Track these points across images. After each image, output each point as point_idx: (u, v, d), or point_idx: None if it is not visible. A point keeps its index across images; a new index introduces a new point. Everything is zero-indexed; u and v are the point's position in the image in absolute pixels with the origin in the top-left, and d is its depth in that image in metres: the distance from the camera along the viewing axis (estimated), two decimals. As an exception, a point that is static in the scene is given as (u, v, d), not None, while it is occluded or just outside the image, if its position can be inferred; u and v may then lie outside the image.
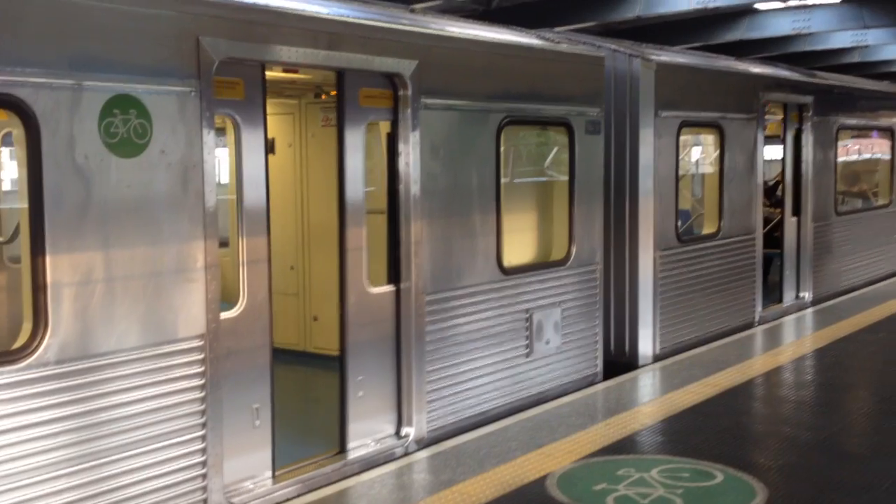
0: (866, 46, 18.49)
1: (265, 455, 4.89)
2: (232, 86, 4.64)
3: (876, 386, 7.18)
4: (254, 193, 4.81)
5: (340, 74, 5.21)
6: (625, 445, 5.65)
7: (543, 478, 5.10)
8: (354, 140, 5.31)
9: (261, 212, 4.84)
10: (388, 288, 5.59)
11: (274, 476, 4.94)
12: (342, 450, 5.34)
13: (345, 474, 5.18)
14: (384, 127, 5.60)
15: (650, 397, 6.77)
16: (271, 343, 4.93)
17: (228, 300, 4.75)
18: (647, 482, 5.01)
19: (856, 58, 20.22)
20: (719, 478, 5.09)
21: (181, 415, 4.35)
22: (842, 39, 17.43)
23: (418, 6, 6.02)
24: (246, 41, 4.62)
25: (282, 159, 7.26)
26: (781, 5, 14.58)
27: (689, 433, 5.89)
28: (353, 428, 5.38)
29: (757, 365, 7.60)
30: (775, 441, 5.76)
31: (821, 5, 14.66)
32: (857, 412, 6.41)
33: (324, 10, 5.19)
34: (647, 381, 7.22)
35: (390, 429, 5.63)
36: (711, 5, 12.65)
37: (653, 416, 6.25)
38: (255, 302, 4.84)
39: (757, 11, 15.19)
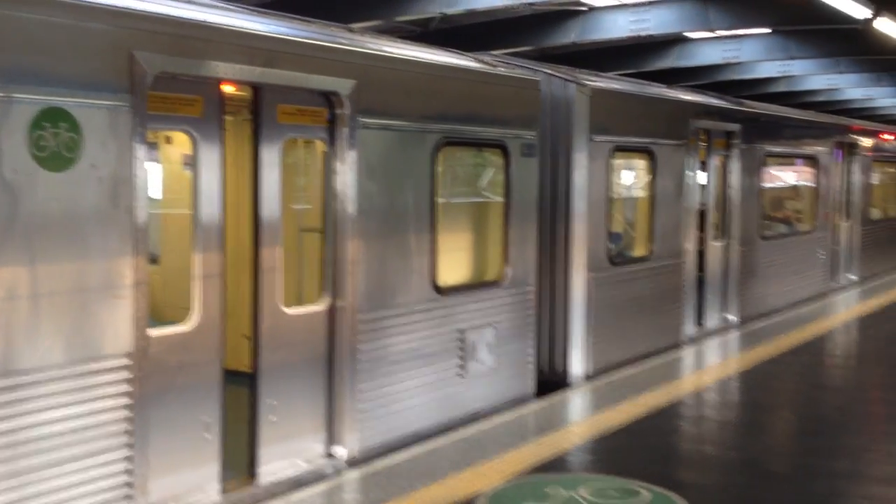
0: (792, 76, 19.02)
1: (213, 468, 4.86)
2: (189, 102, 4.65)
3: (799, 407, 7.40)
4: (209, 209, 4.79)
5: (256, 91, 5.13)
6: (555, 464, 5.71)
7: (474, 497, 5.12)
8: (271, 157, 5.21)
9: (216, 226, 4.84)
10: (316, 308, 5.54)
11: (223, 489, 4.89)
12: (252, 475, 5.18)
13: (256, 498, 5.07)
14: (320, 146, 5.60)
15: (580, 416, 6.87)
16: (223, 358, 4.91)
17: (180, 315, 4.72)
18: (575, 501, 5.07)
19: (782, 87, 20.79)
20: (645, 496, 5.17)
21: (106, 434, 4.26)
22: (769, 69, 17.91)
23: (356, 25, 6.05)
24: (182, 56, 4.60)
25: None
26: (711, 35, 14.96)
27: (618, 452, 5.99)
28: (264, 452, 5.22)
29: (684, 385, 7.77)
30: (700, 460, 5.89)
31: (750, 36, 15.07)
32: (781, 433, 6.60)
33: (261, 28, 5.19)
34: (578, 401, 7.31)
35: (320, 448, 5.60)
36: (644, 33, 12.86)
37: (583, 435, 6.33)
38: (209, 316, 4.81)
39: (688, 40, 15.56)
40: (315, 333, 5.52)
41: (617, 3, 12.51)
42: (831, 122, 14.51)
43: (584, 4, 12.55)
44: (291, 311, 5.40)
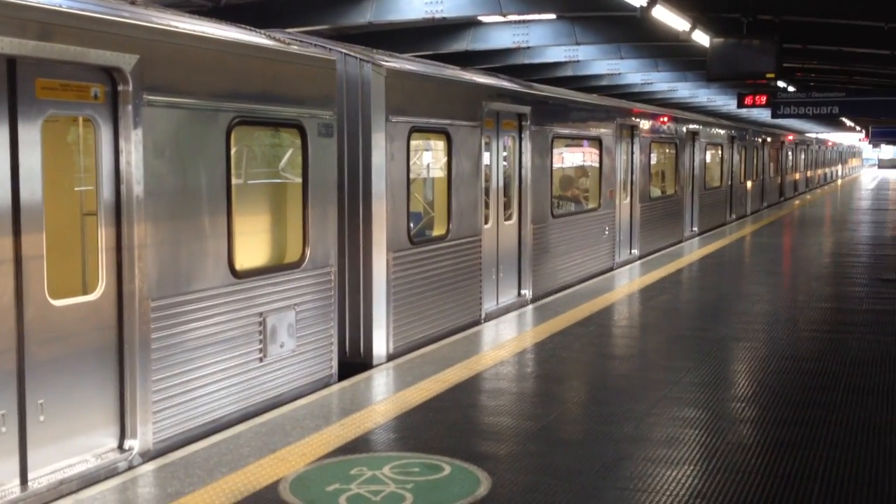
0: (578, 61, 19.81)
1: (12, 464, 4.53)
2: None
3: (588, 376, 7.79)
4: None
5: (11, 63, 4.66)
6: (358, 445, 5.72)
7: (276, 483, 5.04)
8: (30, 136, 4.75)
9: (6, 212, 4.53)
10: (89, 298, 5.20)
11: (23, 483, 4.53)
12: (23, 481, 4.77)
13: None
14: (102, 124, 5.25)
15: (383, 396, 6.91)
16: (20, 347, 4.56)
17: None
18: (379, 479, 5.11)
19: (569, 72, 21.67)
20: (447, 470, 5.28)
21: None
22: (556, 54, 18.62)
23: None
24: None
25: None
26: (502, 19, 15.34)
27: (420, 429, 6.08)
28: (34, 456, 4.82)
29: (483, 360, 8.00)
30: (499, 431, 6.08)
31: (537, 21, 15.57)
32: (572, 401, 6.93)
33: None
34: (380, 381, 7.36)
35: (112, 443, 5.31)
36: (439, 16, 13.05)
37: (386, 414, 6.38)
38: (2, 303, 4.49)
39: (481, 24, 15.89)
40: (92, 324, 5.19)
41: None
42: (614, 105, 15.35)
43: None
44: (60, 302, 5.00)
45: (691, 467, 5.39)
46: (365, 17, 13.15)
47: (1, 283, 4.64)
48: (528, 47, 17.16)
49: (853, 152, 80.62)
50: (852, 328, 9.72)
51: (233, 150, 6.21)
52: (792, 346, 8.87)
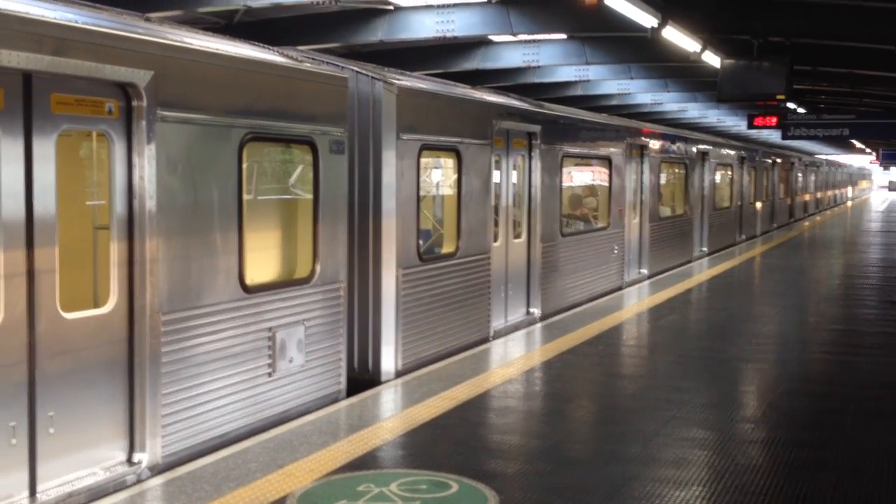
0: (588, 81, 19.89)
1: (22, 475, 4.57)
2: None
3: (596, 396, 7.79)
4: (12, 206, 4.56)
5: (27, 77, 4.71)
6: (366, 461, 5.71)
7: (283, 498, 5.04)
8: (44, 151, 4.80)
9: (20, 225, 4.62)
10: (101, 311, 5.24)
11: (32, 495, 4.57)
12: (32, 493, 4.79)
13: None
14: (108, 138, 5.29)
15: (391, 413, 6.92)
16: (31, 359, 4.61)
17: None
18: (386, 496, 5.10)
19: (579, 91, 21.72)
20: (455, 488, 5.27)
21: None
22: (567, 73, 18.73)
23: (154, 15, 5.74)
24: None
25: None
26: (512, 39, 15.44)
27: (428, 446, 6.08)
28: (44, 468, 4.84)
29: (491, 378, 8.00)
30: (506, 450, 6.08)
31: (548, 41, 15.67)
32: (580, 420, 6.93)
33: (51, 14, 4.86)
34: (388, 397, 7.36)
35: (121, 456, 5.33)
36: (450, 34, 13.11)
37: (393, 430, 6.38)
38: (13, 316, 4.51)
39: (491, 43, 15.98)
40: (103, 338, 5.22)
41: (423, 3, 12.69)
42: (624, 125, 15.39)
43: (390, 3, 12.62)
44: (72, 315, 5.04)
45: (700, 488, 5.37)
46: (376, 35, 13.22)
47: (14, 296, 4.67)
48: (539, 66, 17.23)
49: (863, 174, 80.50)
50: (862, 351, 9.69)
51: (244, 166, 6.25)
52: (801, 367, 8.85)
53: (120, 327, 5.31)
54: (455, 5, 12.65)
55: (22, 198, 4.71)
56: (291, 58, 7.06)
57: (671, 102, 25.52)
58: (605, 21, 12.37)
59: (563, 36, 15.25)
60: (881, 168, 72.42)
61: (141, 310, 5.36)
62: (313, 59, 7.74)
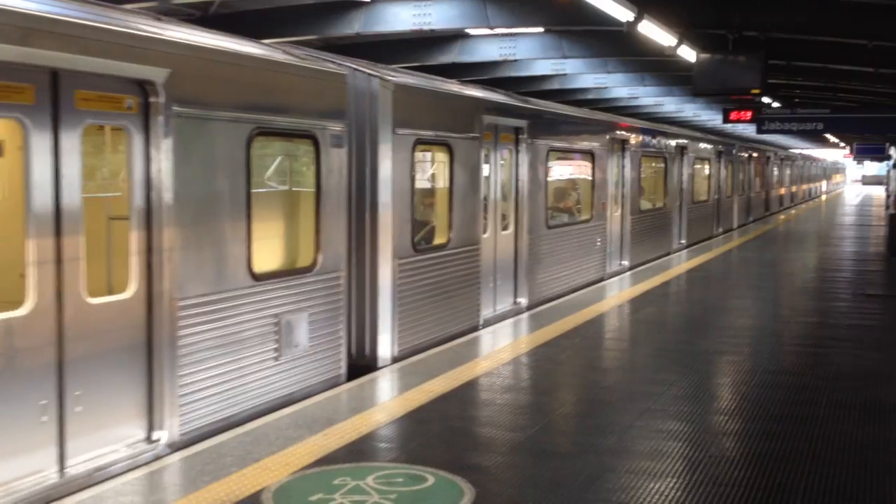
0: (565, 75, 19.77)
1: (52, 451, 4.90)
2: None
3: (571, 388, 7.91)
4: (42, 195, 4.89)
5: (54, 75, 5.01)
6: (341, 455, 5.68)
7: (258, 492, 5.04)
8: (70, 144, 5.10)
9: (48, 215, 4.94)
10: (122, 297, 5.54)
11: (61, 470, 4.92)
12: (61, 468, 5.10)
13: (71, 489, 5.01)
14: (134, 133, 5.58)
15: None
16: (59, 341, 4.94)
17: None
18: (362, 489, 5.11)
19: (556, 85, 21.59)
20: (431, 481, 5.28)
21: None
22: (543, 67, 18.57)
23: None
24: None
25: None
26: (489, 32, 15.30)
27: (407, 439, 6.12)
28: (71, 445, 5.15)
29: (475, 368, 8.18)
30: (483, 442, 6.12)
31: (525, 34, 15.56)
32: (556, 413, 6.94)
33: (75, 15, 5.15)
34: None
35: (141, 434, 5.64)
36: (427, 27, 12.98)
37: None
38: (44, 302, 4.82)
39: (468, 36, 15.89)
40: (124, 322, 5.52)
41: None
42: (606, 119, 15.77)
43: None
44: (96, 300, 5.35)
45: (674, 480, 5.42)
46: (353, 28, 13.11)
47: (43, 283, 4.96)
48: (516, 60, 17.15)
49: (836, 168, 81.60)
50: (835, 343, 9.81)
51: (251, 160, 6.55)
52: (775, 360, 8.92)
53: (139, 312, 5.61)
54: None
55: (50, 189, 5.00)
56: (294, 55, 7.36)
57: (648, 96, 25.60)
58: (581, 15, 12.18)
59: (541, 29, 15.04)
60: (854, 162, 73.37)
61: (159, 295, 5.66)
62: (313, 56, 8.04)
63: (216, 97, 6.18)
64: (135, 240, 5.59)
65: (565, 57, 16.31)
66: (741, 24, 12.87)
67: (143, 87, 5.57)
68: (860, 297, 13.20)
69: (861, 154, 45.17)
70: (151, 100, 5.60)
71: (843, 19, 12.64)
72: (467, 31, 15.14)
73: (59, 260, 5.04)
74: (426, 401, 7.04)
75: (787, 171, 41.37)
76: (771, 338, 10.10)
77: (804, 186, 50.32)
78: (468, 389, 7.50)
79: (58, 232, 5.04)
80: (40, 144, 4.95)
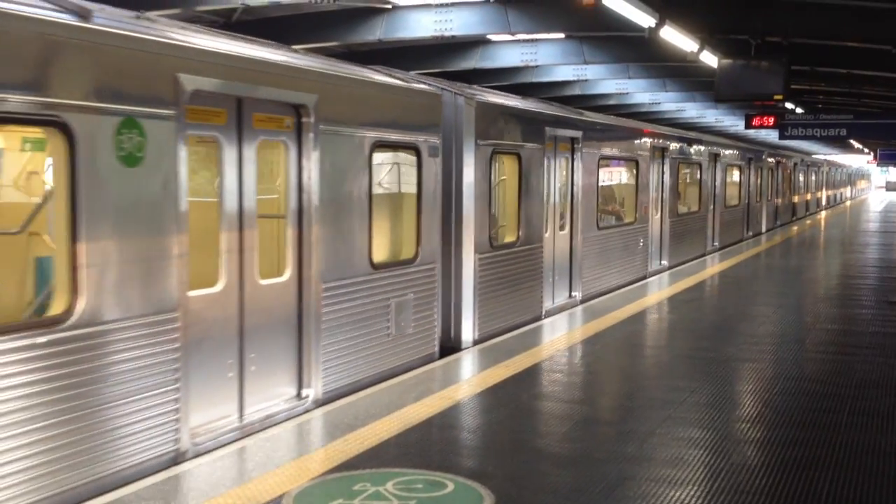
0: (586, 80, 19.74)
1: (235, 400, 6.21)
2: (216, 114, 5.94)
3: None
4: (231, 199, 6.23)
5: (239, 102, 6.29)
6: (361, 461, 5.75)
7: (279, 497, 5.11)
8: (250, 156, 6.38)
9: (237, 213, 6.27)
10: (281, 279, 6.78)
11: (241, 417, 6.21)
12: (241, 415, 6.41)
13: (246, 433, 6.26)
14: (291, 147, 6.86)
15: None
16: (241, 313, 6.22)
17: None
18: (382, 495, 5.16)
19: (577, 90, 21.39)
20: (450, 487, 5.32)
21: (161, 372, 5.47)
22: (564, 73, 18.63)
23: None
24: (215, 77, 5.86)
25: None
26: (510, 38, 15.20)
27: (424, 445, 6.16)
28: (247, 397, 6.45)
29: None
30: (505, 447, 6.16)
31: (546, 40, 15.54)
32: (578, 418, 6.89)
33: (249, 52, 6.44)
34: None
35: (293, 391, 6.92)
36: (448, 34, 12.85)
37: (389, 430, 6.42)
38: (231, 281, 6.14)
39: (489, 42, 15.77)
40: (283, 300, 6.81)
41: (421, 2, 12.55)
42: (649, 129, 16.92)
43: (388, 2, 12.50)
44: (265, 282, 6.65)
45: (695, 488, 5.39)
46: (375, 34, 13.28)
47: (231, 267, 6.26)
48: (537, 66, 17.25)
49: (861, 174, 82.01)
50: (859, 350, 9.70)
51: (372, 168, 7.82)
52: (798, 367, 8.82)
53: (293, 292, 6.89)
54: (453, 4, 12.59)
55: (236, 192, 6.28)
56: (401, 79, 8.63)
57: (669, 102, 25.28)
58: (602, 20, 12.05)
59: (561, 35, 15.04)
60: (879, 168, 73.66)
61: (308, 279, 6.93)
62: (412, 78, 9.31)
63: (349, 116, 7.45)
64: (290, 234, 6.87)
65: (586, 62, 16.32)
66: (763, 29, 12.66)
67: (297, 110, 6.84)
68: (884, 305, 13.02)
69: (885, 160, 45.61)
70: (304, 120, 6.87)
71: (867, 24, 12.44)
72: (488, 37, 14.95)
73: (241, 249, 6.33)
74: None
75: (813, 177, 42.23)
76: (794, 344, 9.99)
77: (829, 192, 51.06)
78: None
79: (241, 227, 6.33)
80: (229, 157, 6.24)
